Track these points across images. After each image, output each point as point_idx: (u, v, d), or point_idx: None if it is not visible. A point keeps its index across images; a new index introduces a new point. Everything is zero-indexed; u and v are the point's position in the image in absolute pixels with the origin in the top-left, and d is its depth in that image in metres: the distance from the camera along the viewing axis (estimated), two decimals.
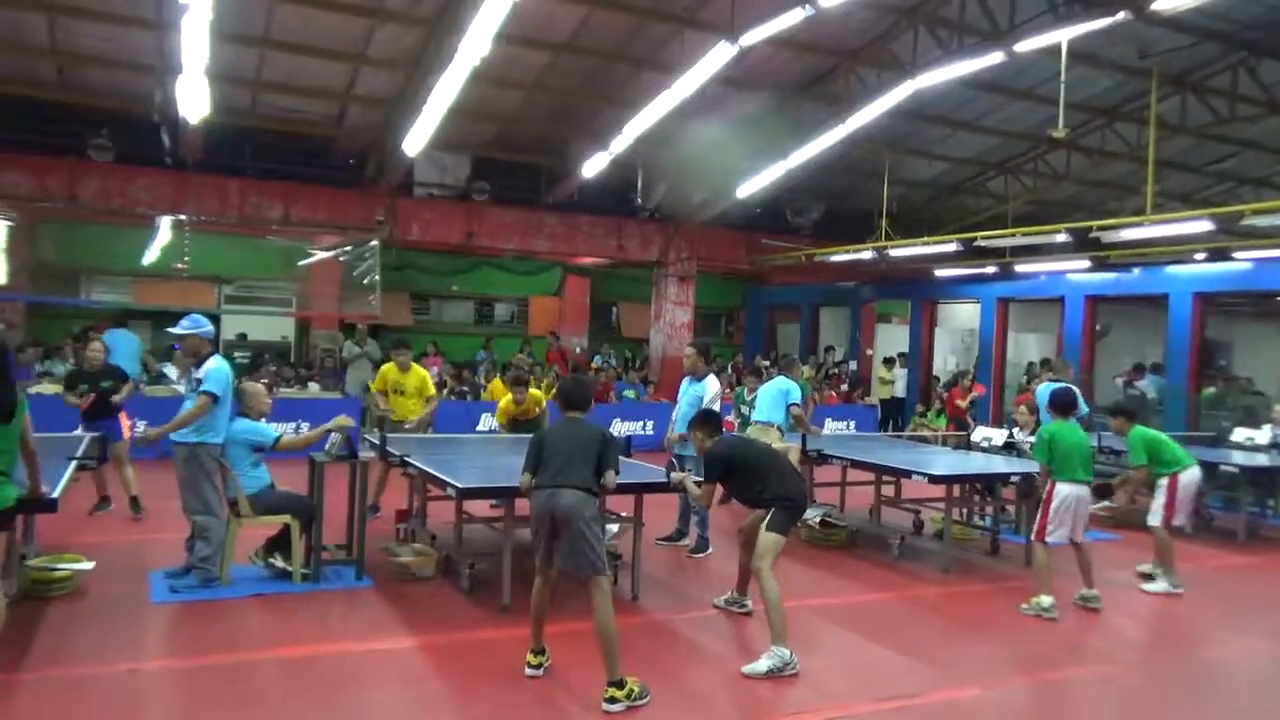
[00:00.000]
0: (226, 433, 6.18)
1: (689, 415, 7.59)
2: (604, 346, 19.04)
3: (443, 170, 15.57)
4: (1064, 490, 6.37)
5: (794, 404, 8.30)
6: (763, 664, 4.99)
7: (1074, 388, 8.49)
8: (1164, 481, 7.20)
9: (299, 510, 6.31)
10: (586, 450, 4.81)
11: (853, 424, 15.99)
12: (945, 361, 19.39)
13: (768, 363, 18.70)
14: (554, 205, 16.18)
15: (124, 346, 11.38)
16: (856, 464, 8.11)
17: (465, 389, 14.09)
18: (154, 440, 6.12)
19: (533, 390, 9.05)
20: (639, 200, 16.41)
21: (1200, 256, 13.86)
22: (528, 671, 4.79)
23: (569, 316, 20.23)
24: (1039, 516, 6.46)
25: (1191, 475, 7.23)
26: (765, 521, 5.32)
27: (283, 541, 6.39)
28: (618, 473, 4.96)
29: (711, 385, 7.63)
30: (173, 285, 14.76)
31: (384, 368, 8.87)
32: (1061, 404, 6.61)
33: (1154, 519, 7.18)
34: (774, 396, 8.32)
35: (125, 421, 8.52)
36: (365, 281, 14.47)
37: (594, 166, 14.01)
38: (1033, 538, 6.56)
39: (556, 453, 4.80)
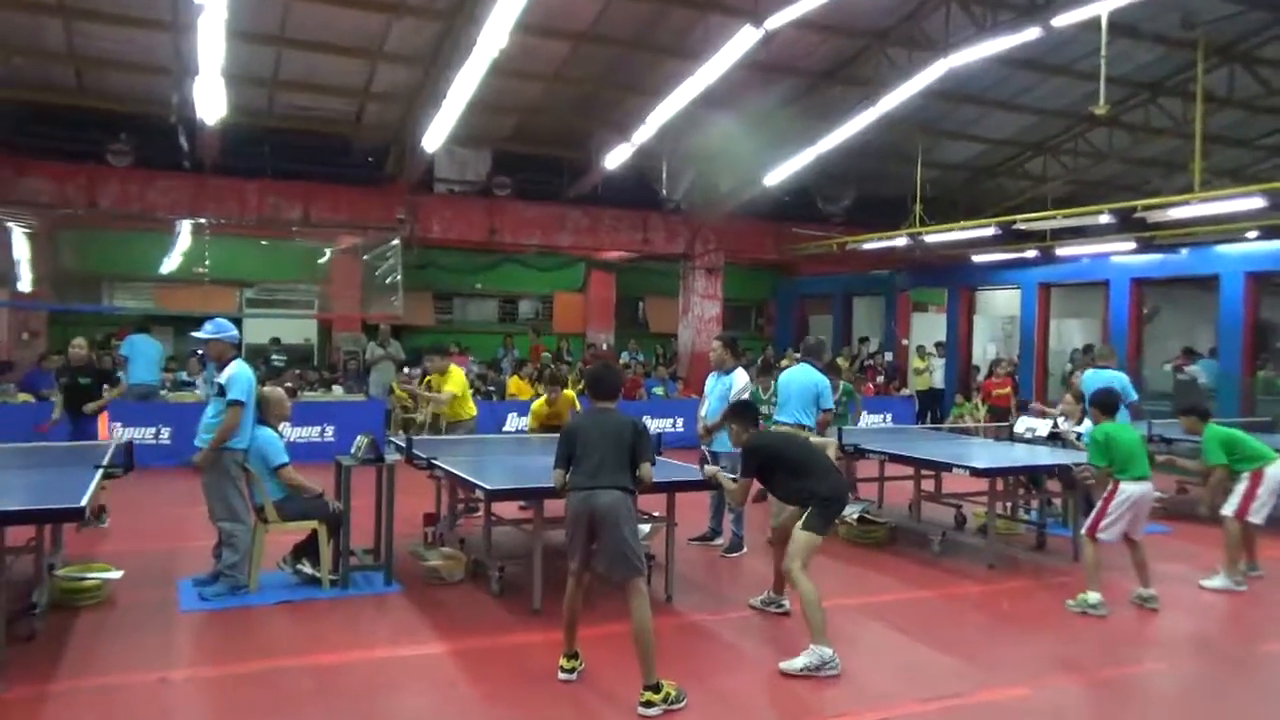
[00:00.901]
0: (249, 438, 6.25)
1: (718, 410, 7.59)
2: (631, 342, 19.06)
3: (463, 166, 15.65)
4: (1129, 489, 6.26)
5: (827, 409, 7.70)
6: (799, 661, 5.01)
7: (1118, 380, 8.39)
8: (1245, 477, 7.00)
9: (326, 515, 6.38)
10: (620, 444, 4.76)
11: (890, 417, 15.90)
12: (984, 350, 19.21)
13: (799, 354, 18.67)
14: (577, 199, 16.22)
15: (144, 352, 11.56)
16: (895, 458, 8.05)
17: (491, 389, 14.17)
18: (204, 465, 6.08)
19: (566, 391, 9.07)
20: (664, 192, 16.41)
21: (1252, 235, 13.62)
22: (561, 676, 4.81)
23: (594, 312, 20.28)
24: (1095, 512, 6.36)
25: (1277, 470, 6.95)
26: (801, 520, 5.31)
27: (310, 547, 6.46)
28: (653, 464, 4.93)
29: (740, 378, 7.60)
30: (194, 290, 14.97)
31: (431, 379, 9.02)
32: (1104, 404, 6.50)
33: (1228, 509, 7.01)
34: (803, 392, 7.73)
35: (104, 424, 8.66)
36: (387, 281, 14.59)
37: (617, 158, 14.02)
38: (1084, 532, 6.46)
39: (589, 448, 4.76)
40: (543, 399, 9.10)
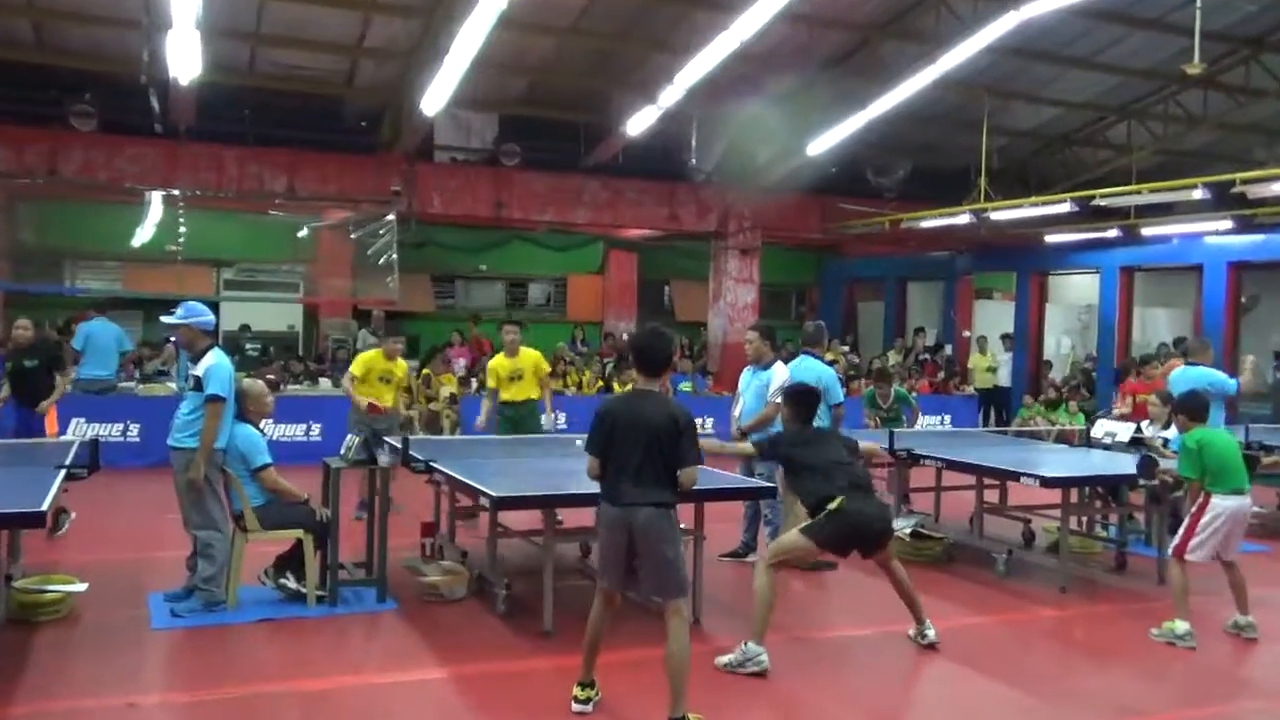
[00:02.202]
0: (228, 436, 6.31)
1: (755, 410, 7.60)
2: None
3: (467, 132, 15.68)
4: (1221, 504, 6.18)
5: (838, 403, 7.83)
6: (727, 656, 5.44)
7: (1206, 379, 8.27)
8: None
9: (312, 524, 6.44)
10: (661, 443, 4.55)
11: (948, 418, 15.84)
12: (1058, 344, 19.09)
13: (846, 347, 18.65)
14: (595, 169, 16.22)
15: (101, 338, 11.43)
16: (953, 465, 8.02)
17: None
18: (199, 479, 6.10)
19: (527, 351, 9.21)
20: (693, 162, 16.36)
21: None
22: (575, 707, 4.81)
23: (614, 298, 20.30)
24: (1183, 530, 6.29)
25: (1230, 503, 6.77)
26: (807, 523, 5.47)
27: (295, 559, 6.51)
28: (700, 462, 4.77)
29: (779, 374, 7.59)
30: (166, 270, 15.06)
31: (369, 354, 9.37)
32: (1191, 409, 6.44)
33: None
34: (809, 384, 7.92)
35: (52, 419, 8.73)
36: (381, 262, 14.66)
37: (640, 123, 14.00)
38: (1170, 553, 6.38)
39: (628, 444, 4.58)
40: (501, 354, 9.28)
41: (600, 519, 4.81)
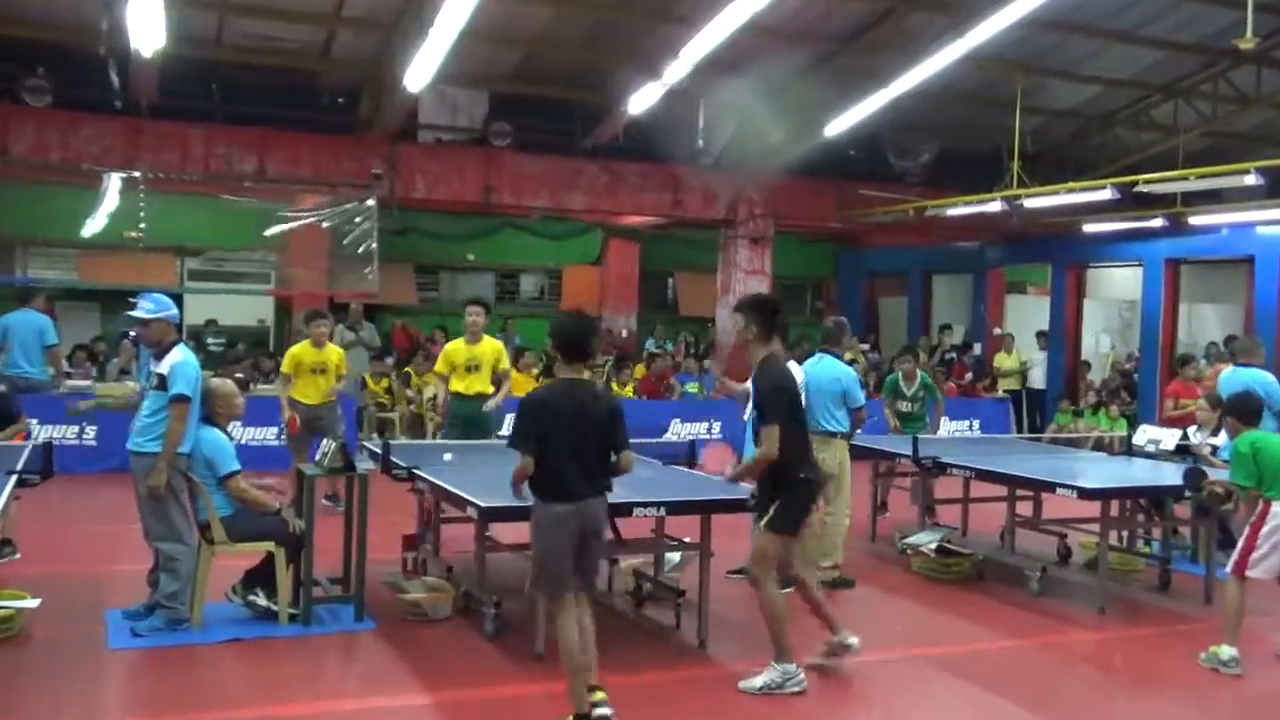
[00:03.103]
0: (193, 440, 6.32)
1: None
2: (658, 328, 19.07)
3: (454, 110, 15.68)
4: None
5: (859, 407, 7.85)
6: (759, 680, 5.51)
7: (1261, 382, 8.27)
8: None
9: (285, 536, 6.44)
10: (602, 429, 4.94)
11: (977, 423, 15.82)
12: (1097, 342, 19.08)
13: (866, 346, 18.65)
14: (593, 151, 16.21)
15: (21, 331, 11.02)
16: (983, 475, 8.03)
17: None
18: (161, 486, 6.09)
19: (490, 340, 9.28)
20: (700, 143, 16.34)
21: None
22: (598, 712, 4.80)
23: (613, 290, 20.31)
24: (1242, 544, 6.27)
25: None
26: (766, 517, 5.54)
27: (265, 574, 6.51)
28: (629, 448, 5.13)
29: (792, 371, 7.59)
30: (126, 258, 15.09)
31: (297, 348, 9.61)
32: (1244, 410, 6.43)
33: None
34: (824, 390, 7.75)
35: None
36: (360, 251, 14.65)
37: (643, 101, 13.99)
38: (1229, 570, 6.34)
39: (571, 436, 4.84)
40: (460, 341, 9.34)
41: (543, 520, 4.92)
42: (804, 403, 7.51)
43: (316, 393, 9.38)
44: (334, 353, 9.55)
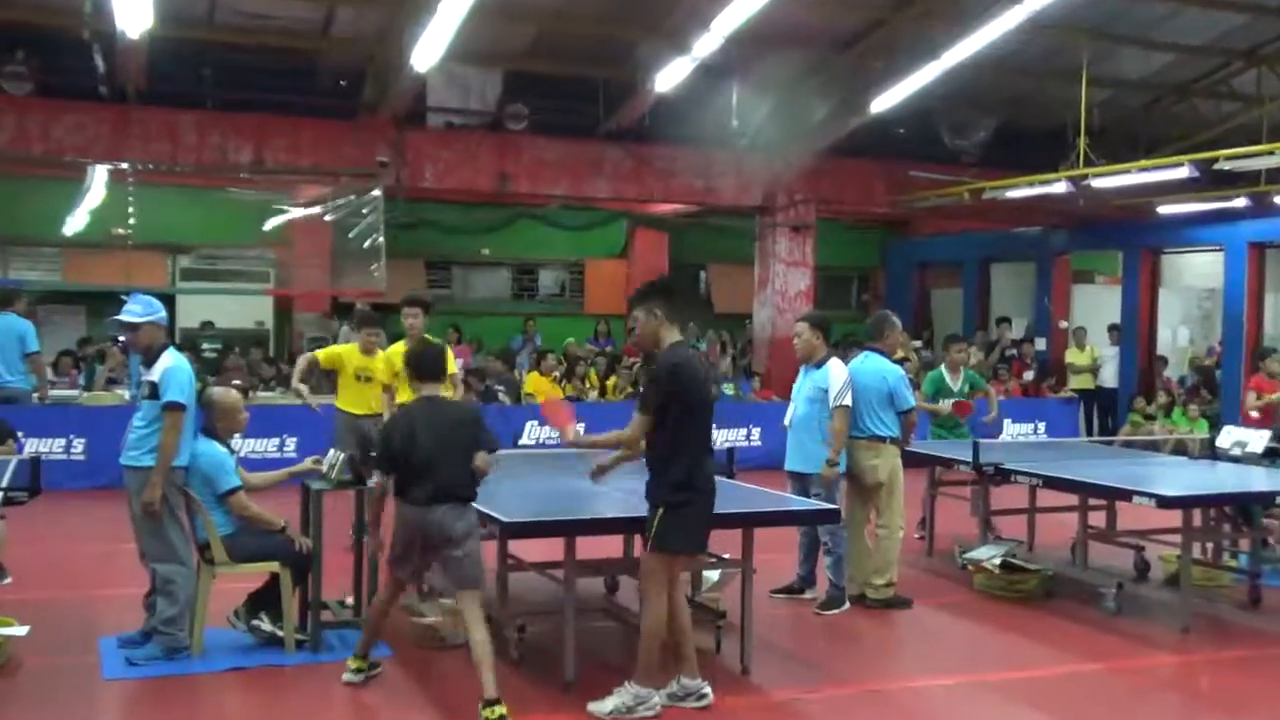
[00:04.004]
0: (190, 453, 6.37)
1: (809, 416, 7.60)
2: (690, 325, 19.02)
3: (465, 91, 15.74)
4: None
5: (907, 409, 7.83)
6: (609, 703, 5.51)
7: None
8: None
9: (290, 556, 6.49)
10: (458, 443, 5.62)
11: (1043, 426, 15.72)
12: (1174, 336, 18.92)
13: (918, 342, 18.57)
14: (617, 134, 16.23)
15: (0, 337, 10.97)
16: (1051, 482, 7.97)
17: (501, 388, 14.29)
18: (157, 502, 6.12)
19: (393, 348, 8.98)
20: (734, 123, 16.33)
21: None
22: (345, 677, 5.82)
23: (640, 284, 20.25)
24: None
25: None
26: (652, 533, 5.52)
27: (270, 597, 6.56)
28: (493, 451, 5.78)
29: (837, 374, 7.57)
30: (114, 257, 15.23)
31: (344, 347, 9.50)
32: None
33: None
34: (869, 391, 7.75)
35: None
36: (365, 246, 14.73)
37: (671, 78, 14.00)
38: None
39: (420, 445, 5.55)
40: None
41: (396, 516, 5.69)
42: (851, 404, 7.60)
43: (360, 402, 9.17)
44: (384, 362, 9.13)
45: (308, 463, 6.94)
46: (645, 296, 5.91)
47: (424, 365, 5.93)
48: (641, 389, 5.77)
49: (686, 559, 5.80)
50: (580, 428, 6.11)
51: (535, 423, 13.24)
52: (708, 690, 5.71)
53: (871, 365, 7.87)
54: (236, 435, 6.77)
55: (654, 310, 5.76)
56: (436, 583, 5.87)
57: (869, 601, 7.73)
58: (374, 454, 5.82)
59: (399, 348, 8.63)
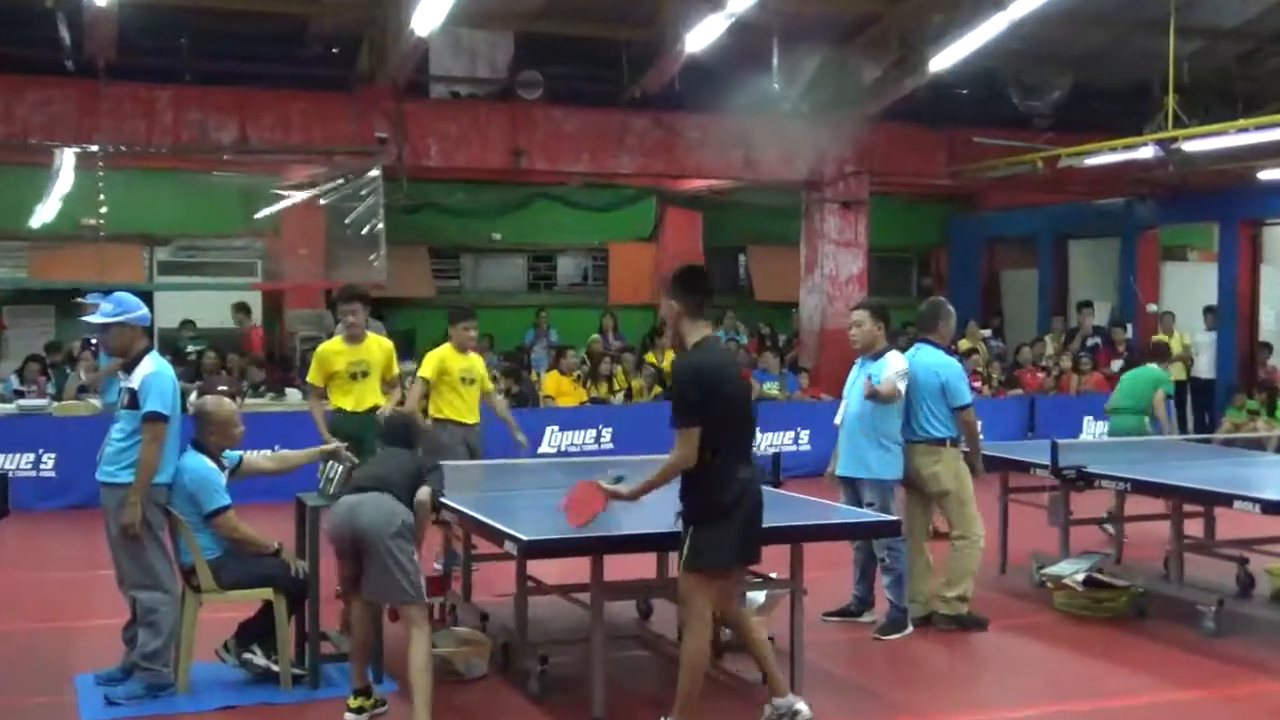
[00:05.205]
0: (174, 468, 6.41)
1: (859, 416, 7.58)
2: (728, 315, 19.03)
3: (472, 57, 15.76)
4: None
5: (962, 405, 7.76)
6: None
7: None
8: None
9: (285, 582, 6.52)
10: (402, 467, 6.05)
11: None
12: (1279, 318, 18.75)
13: (988, 331, 18.49)
14: (643, 102, 16.22)
15: None
16: (1140, 487, 7.95)
17: (519, 388, 14.33)
18: (136, 523, 6.14)
19: (375, 338, 9.05)
20: (775, 87, 16.30)
21: None
22: (347, 717, 5.82)
23: (671, 270, 20.23)
24: None
25: None
26: (684, 553, 5.54)
27: (263, 628, 6.59)
28: (441, 494, 6.16)
29: (894, 364, 7.56)
30: (84, 250, 15.32)
31: (441, 351, 9.35)
32: None
33: None
34: (925, 384, 7.74)
35: None
36: (363, 233, 14.76)
37: (703, 37, 13.97)
38: None
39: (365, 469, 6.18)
40: (337, 340, 9.04)
41: (329, 518, 6.06)
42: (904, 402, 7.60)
43: (469, 408, 9.24)
44: (479, 361, 9.44)
45: (336, 444, 7.04)
46: (666, 285, 6.12)
47: (393, 433, 6.57)
48: (671, 399, 5.69)
49: (729, 576, 5.76)
50: (620, 477, 6.11)
51: (556, 428, 13.28)
52: (802, 707, 5.78)
53: (924, 359, 7.84)
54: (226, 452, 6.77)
55: (672, 302, 5.85)
56: (366, 593, 5.95)
57: (937, 619, 7.71)
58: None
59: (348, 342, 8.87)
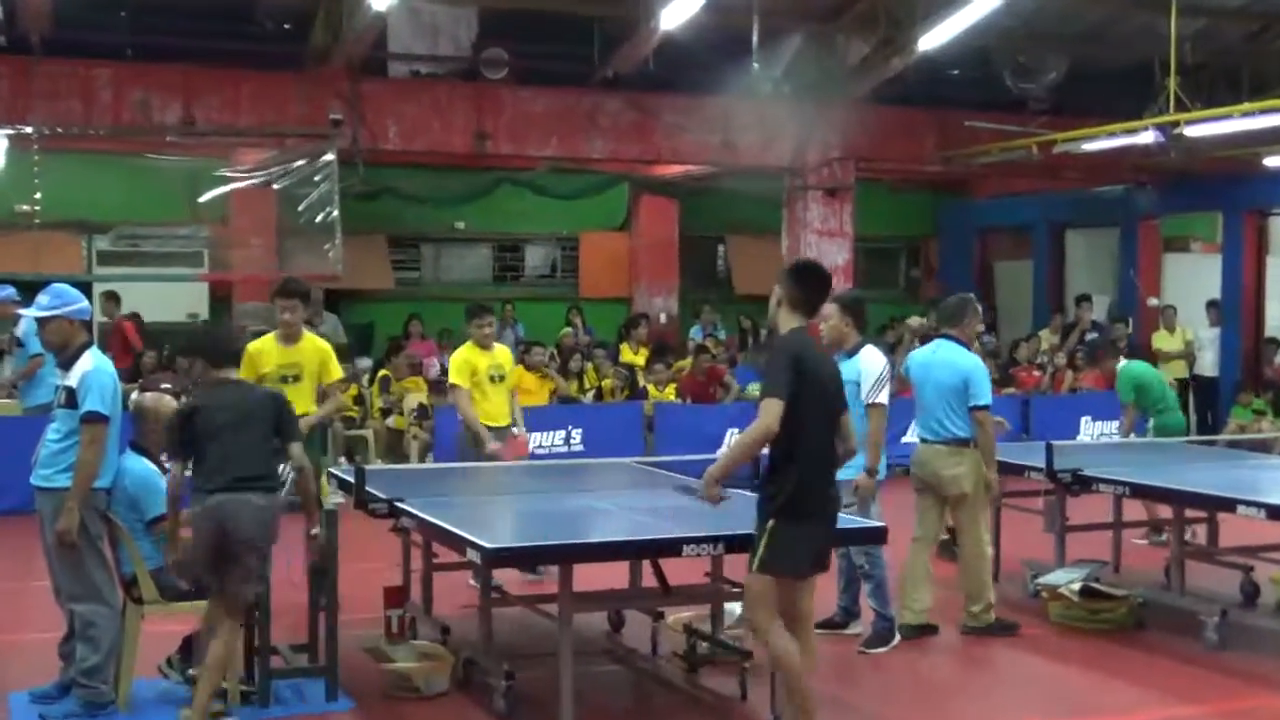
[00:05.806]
0: (115, 472, 6.39)
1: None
2: (705, 310, 19.05)
3: (434, 34, 15.73)
4: None
5: (980, 405, 7.79)
6: None
7: None
8: None
9: None
10: (254, 428, 6.08)
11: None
12: None
13: (981, 327, 18.52)
14: (615, 82, 16.22)
15: None
16: (1140, 491, 7.98)
17: None
18: (73, 531, 6.06)
19: (311, 338, 8.86)
20: (755, 66, 16.32)
21: None
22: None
23: (646, 262, 20.28)
24: None
25: None
26: (758, 552, 5.43)
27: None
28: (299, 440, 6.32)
29: (870, 361, 7.57)
30: (17, 239, 15.23)
31: (466, 350, 9.37)
32: None
33: None
34: (943, 385, 7.85)
35: None
36: (317, 221, 14.73)
37: (679, 13, 13.98)
38: None
39: (218, 433, 5.98)
40: (270, 338, 8.63)
41: (193, 517, 6.01)
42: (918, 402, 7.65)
43: (499, 410, 9.24)
44: (505, 355, 9.50)
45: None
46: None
47: (215, 348, 6.56)
48: (765, 371, 5.69)
49: (796, 587, 5.61)
50: (688, 488, 6.18)
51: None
52: None
53: (944, 355, 7.90)
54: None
55: (777, 286, 5.86)
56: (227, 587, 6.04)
57: (965, 629, 7.82)
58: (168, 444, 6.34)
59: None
